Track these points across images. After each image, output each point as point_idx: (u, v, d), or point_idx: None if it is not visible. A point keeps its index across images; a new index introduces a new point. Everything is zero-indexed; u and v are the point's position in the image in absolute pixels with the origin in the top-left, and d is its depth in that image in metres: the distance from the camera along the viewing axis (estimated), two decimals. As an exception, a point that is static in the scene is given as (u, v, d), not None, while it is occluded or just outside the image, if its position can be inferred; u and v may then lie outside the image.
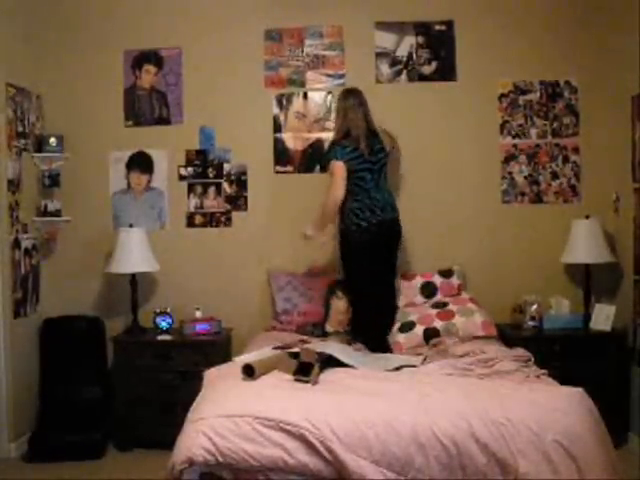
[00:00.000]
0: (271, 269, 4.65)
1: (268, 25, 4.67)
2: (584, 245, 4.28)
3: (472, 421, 2.64)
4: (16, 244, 4.29)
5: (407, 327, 4.06)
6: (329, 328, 4.15)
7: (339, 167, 4.00)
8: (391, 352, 3.88)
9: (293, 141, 4.69)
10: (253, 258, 4.69)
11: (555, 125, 4.59)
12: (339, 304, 4.14)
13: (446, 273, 4.44)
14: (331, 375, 3.14)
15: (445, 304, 4.20)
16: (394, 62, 4.64)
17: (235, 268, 4.70)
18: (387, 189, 4.18)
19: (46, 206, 4.55)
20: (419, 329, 4.03)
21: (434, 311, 4.15)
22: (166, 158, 4.73)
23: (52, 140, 4.58)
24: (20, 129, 4.38)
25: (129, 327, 4.55)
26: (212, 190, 4.74)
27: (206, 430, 2.62)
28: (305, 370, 3.07)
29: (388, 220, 4.06)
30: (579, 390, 2.89)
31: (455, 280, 4.42)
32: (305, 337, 3.97)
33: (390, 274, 4.19)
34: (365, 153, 4.03)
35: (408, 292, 4.38)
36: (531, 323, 4.30)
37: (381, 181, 4.12)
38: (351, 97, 4.13)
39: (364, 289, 4.02)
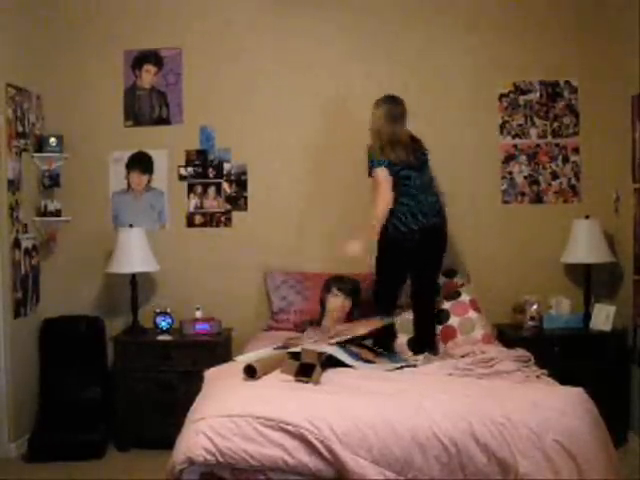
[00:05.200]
0: (266, 268, 4.65)
1: (268, 25, 4.67)
2: (584, 245, 4.28)
3: (472, 421, 2.64)
4: (16, 244, 4.29)
5: None
6: (325, 325, 4.14)
7: (382, 172, 3.87)
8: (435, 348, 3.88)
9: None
10: (253, 258, 4.69)
11: (555, 125, 4.59)
12: (335, 301, 4.13)
13: (449, 273, 4.41)
14: (331, 375, 3.14)
15: (447, 316, 4.13)
16: (394, 62, 4.64)
17: (235, 268, 4.70)
18: (434, 193, 4.05)
19: (46, 206, 4.55)
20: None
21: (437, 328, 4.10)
22: (166, 158, 4.74)
23: (52, 140, 4.58)
24: (20, 129, 4.38)
25: (129, 327, 4.55)
26: (212, 190, 4.74)
27: (206, 430, 2.61)
28: (307, 371, 3.07)
29: (429, 226, 3.92)
30: (579, 390, 2.89)
31: (458, 280, 4.40)
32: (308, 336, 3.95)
33: (428, 278, 4.07)
34: (408, 159, 3.93)
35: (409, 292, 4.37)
36: (531, 323, 4.30)
37: (426, 183, 4.00)
38: (392, 105, 4.00)
39: (386, 290, 4.04)
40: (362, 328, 3.65)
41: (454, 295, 4.24)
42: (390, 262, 3.99)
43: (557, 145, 4.59)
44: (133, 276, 4.49)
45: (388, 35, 4.60)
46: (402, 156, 3.92)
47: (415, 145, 4.04)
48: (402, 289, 4.12)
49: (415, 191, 3.94)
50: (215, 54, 4.69)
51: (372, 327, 3.68)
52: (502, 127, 4.61)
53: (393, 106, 4.00)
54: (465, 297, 4.24)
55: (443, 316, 4.13)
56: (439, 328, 4.08)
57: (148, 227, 4.65)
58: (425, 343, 3.92)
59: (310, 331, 3.97)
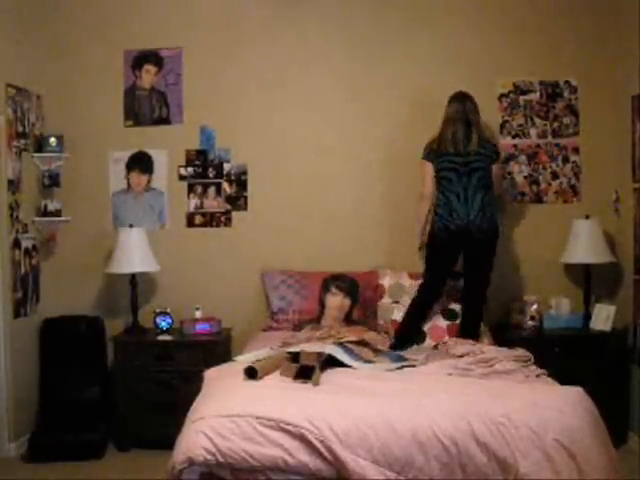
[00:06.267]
0: (264, 268, 4.65)
1: (269, 25, 4.67)
2: (584, 245, 4.28)
3: (472, 421, 2.64)
4: (16, 244, 4.29)
5: (420, 339, 4.08)
6: (324, 324, 4.14)
7: (424, 165, 4.12)
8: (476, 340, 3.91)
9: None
10: (253, 258, 4.68)
11: (555, 125, 4.59)
12: (334, 300, 4.13)
13: (455, 276, 4.37)
14: (331, 375, 3.14)
15: (454, 315, 4.17)
16: (394, 62, 4.64)
17: (235, 268, 4.70)
18: (481, 196, 3.95)
19: (46, 206, 4.55)
20: (430, 343, 4.06)
21: (444, 323, 4.14)
22: (166, 158, 4.74)
23: (52, 140, 4.58)
24: (20, 129, 4.38)
25: (129, 327, 4.55)
26: (212, 190, 4.74)
27: (206, 430, 2.61)
28: (306, 373, 3.07)
29: (460, 226, 3.93)
30: (579, 390, 2.89)
31: (461, 282, 4.38)
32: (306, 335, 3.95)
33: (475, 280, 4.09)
34: (452, 153, 4.00)
35: (414, 291, 4.36)
36: (531, 323, 4.30)
37: (471, 186, 3.96)
38: (454, 103, 4.09)
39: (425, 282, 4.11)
40: (351, 335, 3.66)
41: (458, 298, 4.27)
42: (427, 255, 4.13)
43: (557, 145, 4.59)
44: (133, 276, 4.49)
45: (389, 36, 4.60)
46: (446, 145, 4.01)
47: (470, 142, 4.01)
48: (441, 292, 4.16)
49: (452, 190, 3.99)
50: (215, 54, 4.69)
51: (360, 335, 3.69)
52: (502, 127, 4.61)
53: (454, 105, 4.10)
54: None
55: (452, 315, 4.18)
56: (446, 324, 4.12)
57: (148, 227, 4.65)
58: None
59: (309, 330, 3.98)
